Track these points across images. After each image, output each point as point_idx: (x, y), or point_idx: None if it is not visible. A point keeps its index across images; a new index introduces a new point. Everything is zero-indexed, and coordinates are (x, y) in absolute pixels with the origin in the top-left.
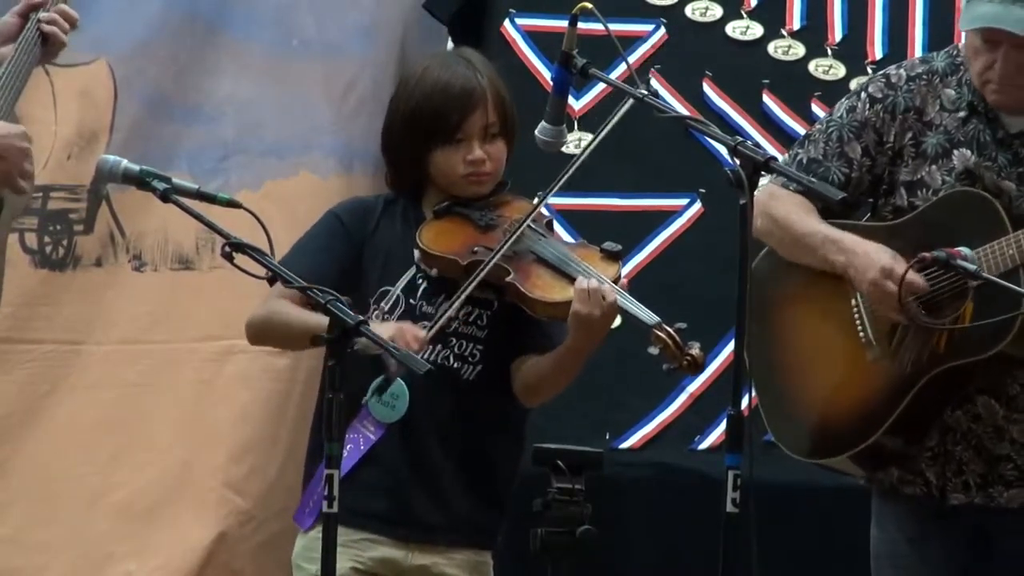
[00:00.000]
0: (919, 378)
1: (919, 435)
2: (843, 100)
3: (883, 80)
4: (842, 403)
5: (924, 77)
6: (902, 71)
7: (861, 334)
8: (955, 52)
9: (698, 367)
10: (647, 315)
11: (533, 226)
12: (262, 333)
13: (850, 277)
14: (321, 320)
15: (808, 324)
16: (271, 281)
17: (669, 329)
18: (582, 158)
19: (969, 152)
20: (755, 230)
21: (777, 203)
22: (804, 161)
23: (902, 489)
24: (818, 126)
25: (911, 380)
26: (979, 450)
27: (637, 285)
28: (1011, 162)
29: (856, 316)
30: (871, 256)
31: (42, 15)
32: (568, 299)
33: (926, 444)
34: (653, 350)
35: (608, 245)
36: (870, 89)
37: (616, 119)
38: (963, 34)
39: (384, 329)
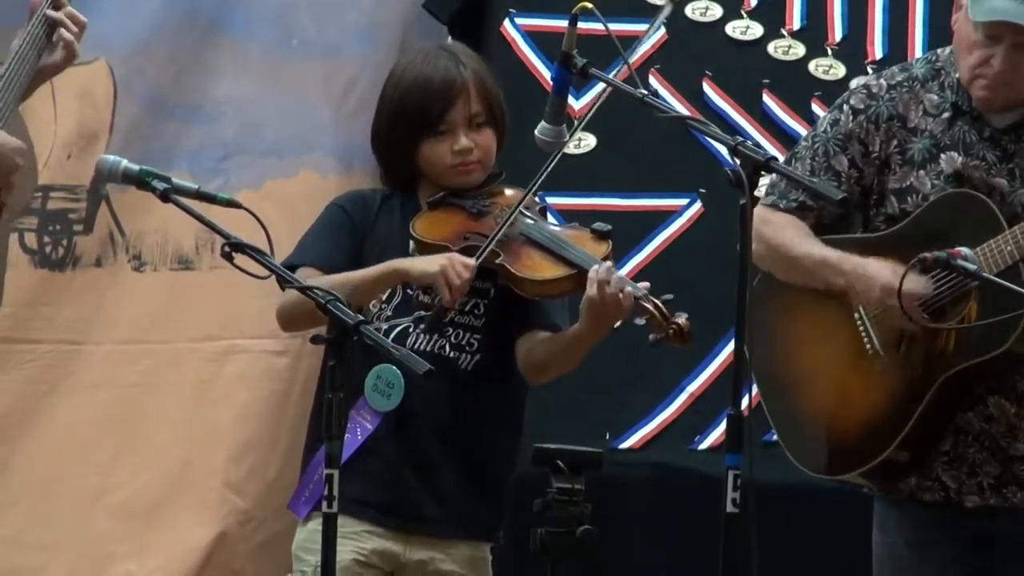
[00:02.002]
0: (931, 384)
1: (932, 442)
2: (826, 114)
3: (864, 91)
4: (854, 416)
5: (905, 85)
6: (882, 80)
7: (867, 345)
8: (934, 58)
9: (684, 337)
10: (633, 287)
11: (525, 212)
12: (295, 310)
13: (854, 297)
14: (366, 274)
15: (813, 339)
16: (281, 283)
17: (655, 300)
18: (568, 141)
19: (956, 154)
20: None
21: (769, 228)
22: None
23: (921, 496)
24: (803, 143)
25: (923, 386)
26: (993, 451)
27: None
28: (1000, 159)
29: (861, 327)
30: (871, 276)
31: (50, 12)
32: (557, 277)
33: (940, 449)
34: (639, 320)
35: (598, 225)
36: (852, 101)
37: (600, 102)
38: (956, 27)
39: (432, 262)
